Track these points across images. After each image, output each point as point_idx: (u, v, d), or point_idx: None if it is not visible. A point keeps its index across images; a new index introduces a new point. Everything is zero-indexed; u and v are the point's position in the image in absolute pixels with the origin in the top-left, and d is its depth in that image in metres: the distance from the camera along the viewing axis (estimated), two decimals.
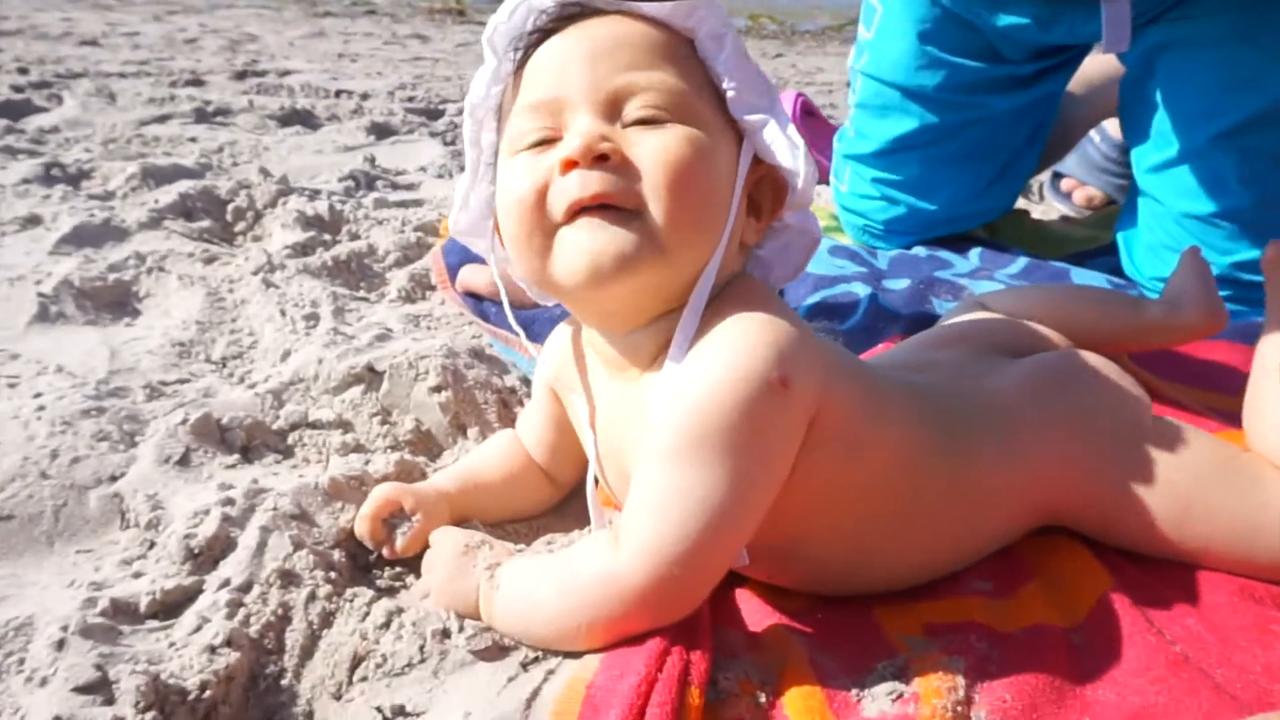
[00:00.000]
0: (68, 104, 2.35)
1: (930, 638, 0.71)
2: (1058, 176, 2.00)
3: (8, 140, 1.94)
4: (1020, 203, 1.93)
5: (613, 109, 0.66)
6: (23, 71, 2.87)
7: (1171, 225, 1.28)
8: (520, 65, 0.71)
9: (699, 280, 0.67)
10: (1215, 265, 1.15)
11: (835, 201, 1.64)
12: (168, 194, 1.55)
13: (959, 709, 0.62)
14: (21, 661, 0.65)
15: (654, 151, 0.64)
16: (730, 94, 0.70)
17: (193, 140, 2.10)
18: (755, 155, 0.71)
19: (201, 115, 2.35)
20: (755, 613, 0.75)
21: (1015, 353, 0.85)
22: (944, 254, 1.49)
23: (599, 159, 0.63)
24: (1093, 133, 1.91)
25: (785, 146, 0.70)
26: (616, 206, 0.64)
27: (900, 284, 1.36)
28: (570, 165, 0.64)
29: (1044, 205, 2.03)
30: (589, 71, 0.66)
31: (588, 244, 0.64)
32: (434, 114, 2.62)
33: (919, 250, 1.51)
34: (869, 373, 0.74)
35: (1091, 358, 0.82)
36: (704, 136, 0.67)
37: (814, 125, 1.98)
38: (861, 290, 1.27)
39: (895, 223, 1.53)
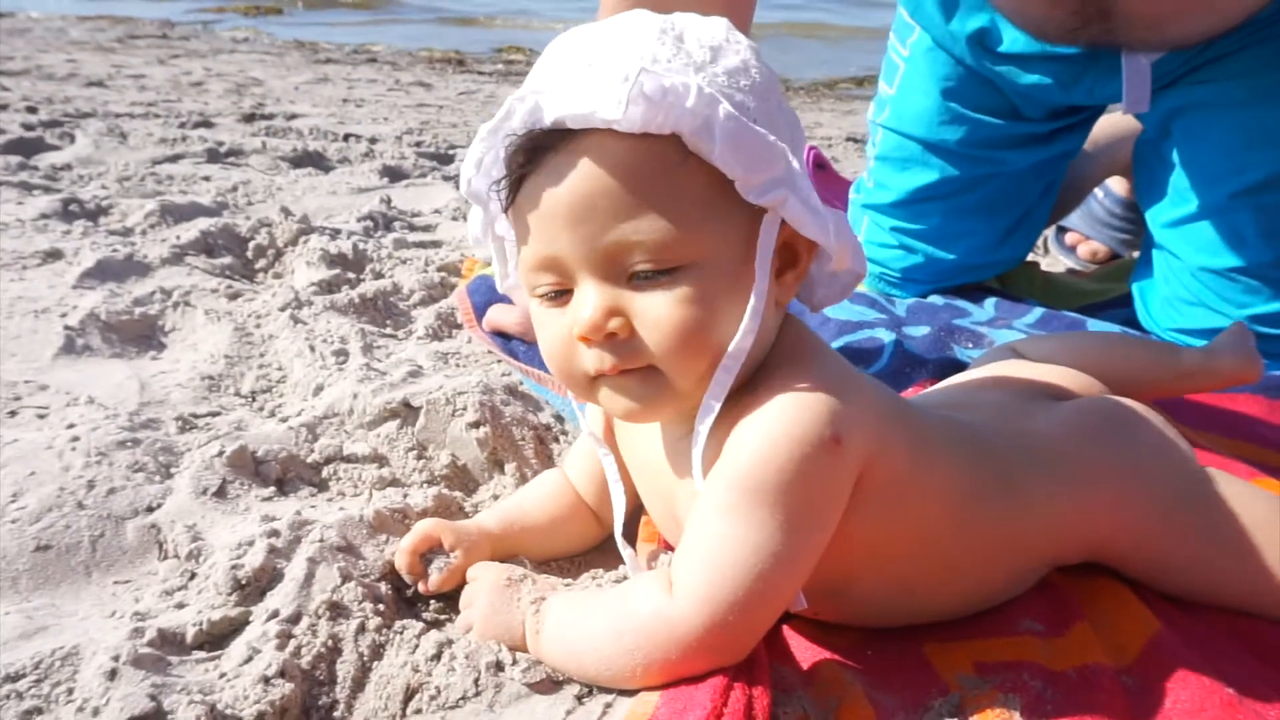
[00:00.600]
0: (80, 142, 2.37)
1: (983, 676, 0.71)
2: (1062, 230, 2.05)
3: (22, 176, 1.95)
4: (1029, 255, 1.97)
5: (611, 265, 0.64)
6: (31, 110, 2.89)
7: (1188, 279, 1.31)
8: (507, 209, 0.68)
9: (717, 383, 0.66)
10: (1233, 319, 1.18)
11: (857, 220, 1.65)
12: (188, 231, 1.56)
13: None
14: (70, 691, 0.64)
15: (658, 320, 0.64)
16: (738, 183, 0.64)
17: (206, 179, 2.12)
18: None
19: (214, 155, 2.37)
20: (806, 649, 0.75)
21: (1056, 397, 0.87)
22: (960, 303, 1.51)
23: (608, 336, 0.65)
24: (1096, 190, 1.96)
25: (809, 220, 0.66)
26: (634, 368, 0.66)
27: (921, 330, 1.38)
28: (586, 341, 0.65)
29: (1049, 258, 2.07)
30: (577, 233, 0.64)
31: (617, 401, 0.68)
32: (444, 159, 2.65)
33: (935, 299, 1.53)
34: (917, 417, 0.74)
35: (1137, 405, 0.83)
36: (709, 272, 0.64)
37: (825, 178, 2.02)
38: (886, 336, 1.28)
39: (913, 271, 1.56)
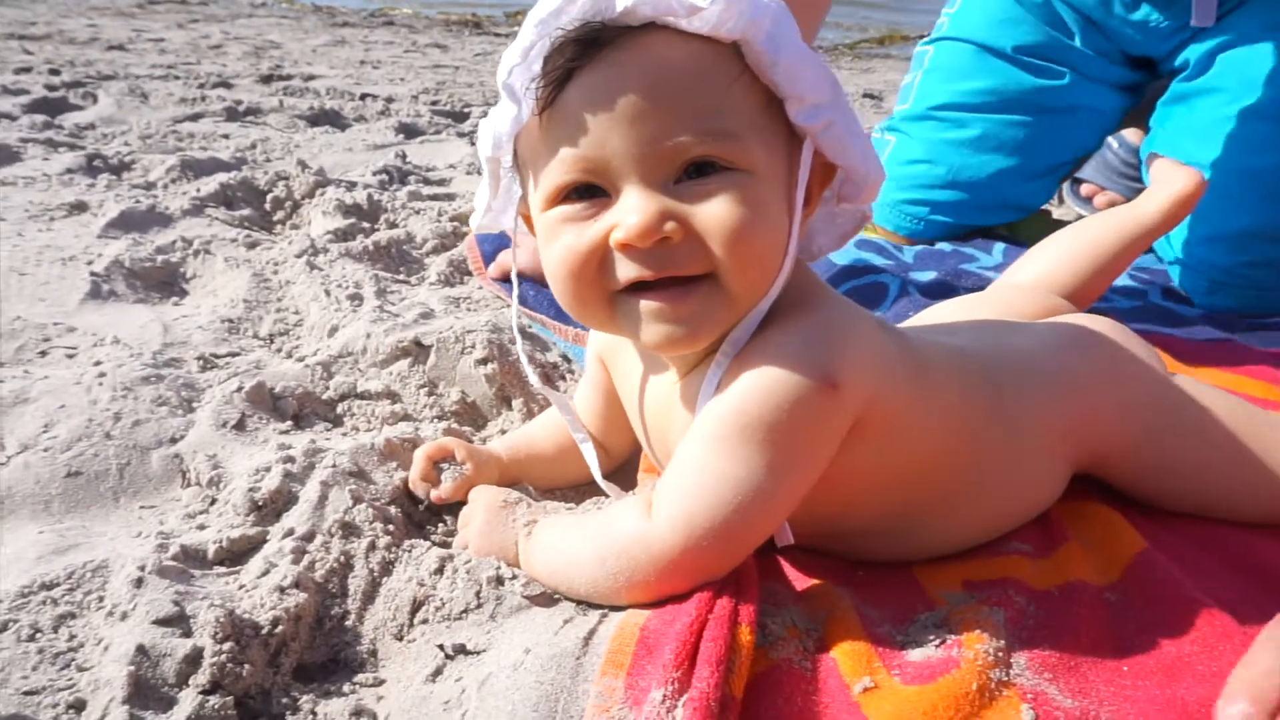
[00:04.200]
0: (103, 102, 2.41)
1: (970, 593, 0.74)
2: (1077, 182, 2.03)
3: (48, 134, 1.99)
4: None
5: (663, 167, 0.61)
6: (54, 73, 2.93)
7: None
8: (543, 108, 0.62)
9: (757, 308, 0.66)
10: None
11: None
12: (208, 184, 1.59)
13: (1000, 654, 0.64)
14: (101, 599, 0.68)
15: (715, 218, 0.61)
16: (791, 103, 0.64)
17: (226, 137, 2.15)
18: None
19: (233, 114, 2.40)
20: (800, 572, 0.78)
21: (1030, 317, 0.89)
22: (968, 249, 1.52)
23: (660, 241, 0.61)
24: (1110, 140, 1.94)
25: (849, 145, 0.67)
26: (685, 276, 0.63)
27: (927, 275, 1.39)
28: (628, 247, 0.61)
29: (1063, 209, 2.06)
30: (632, 132, 0.60)
31: (662, 318, 0.63)
32: (459, 116, 2.66)
33: (944, 246, 1.54)
34: (919, 351, 0.74)
35: (1105, 321, 0.86)
36: (758, 180, 0.63)
37: None
38: (891, 280, 1.30)
39: (934, 190, 1.55)
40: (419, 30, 5.66)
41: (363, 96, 2.88)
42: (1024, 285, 1.02)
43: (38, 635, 0.64)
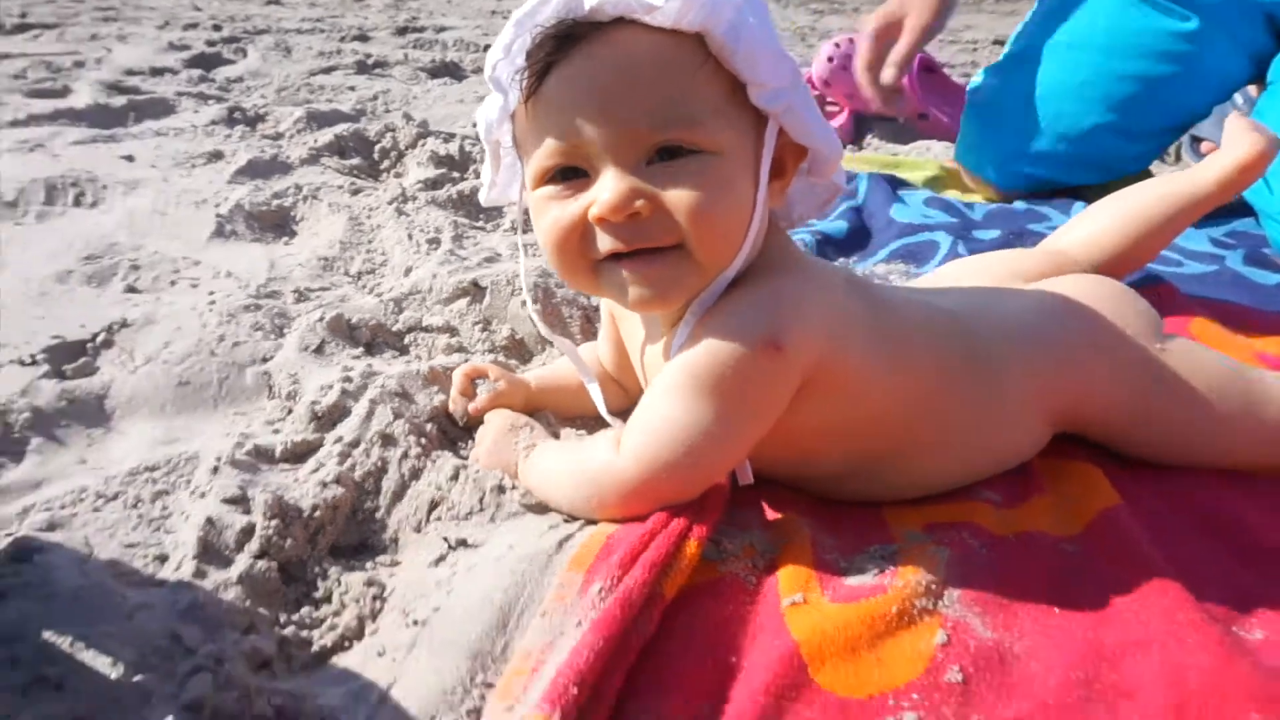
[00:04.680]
0: (251, 57, 2.65)
1: (928, 533, 0.79)
2: (1196, 140, 1.93)
3: (201, 88, 2.23)
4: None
5: (634, 148, 0.68)
6: (217, 28, 3.22)
7: None
8: (528, 97, 0.70)
9: (723, 275, 0.73)
10: None
11: (968, 119, 1.64)
12: (326, 135, 1.77)
13: (933, 587, 0.71)
14: (188, 481, 0.84)
15: (683, 196, 0.68)
16: (753, 88, 0.70)
17: (352, 89, 2.34)
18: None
19: (362, 67, 2.60)
20: (775, 503, 0.85)
21: (1034, 279, 0.91)
22: (1044, 208, 1.50)
23: (631, 216, 0.68)
24: (1236, 96, 1.83)
25: (808, 126, 0.74)
26: (656, 247, 0.70)
27: (991, 234, 1.39)
28: (604, 221, 0.68)
29: (1180, 166, 1.96)
30: (605, 117, 0.67)
31: (635, 282, 0.71)
32: None
33: (1019, 204, 1.52)
34: (889, 310, 0.80)
35: (1102, 281, 0.87)
36: (725, 160, 0.69)
37: (933, 80, 1.99)
38: (944, 239, 1.31)
39: (1032, 141, 1.52)
40: None
41: (485, 48, 3.02)
42: (1049, 250, 1.03)
43: (139, 504, 0.81)
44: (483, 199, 0.84)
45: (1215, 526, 0.79)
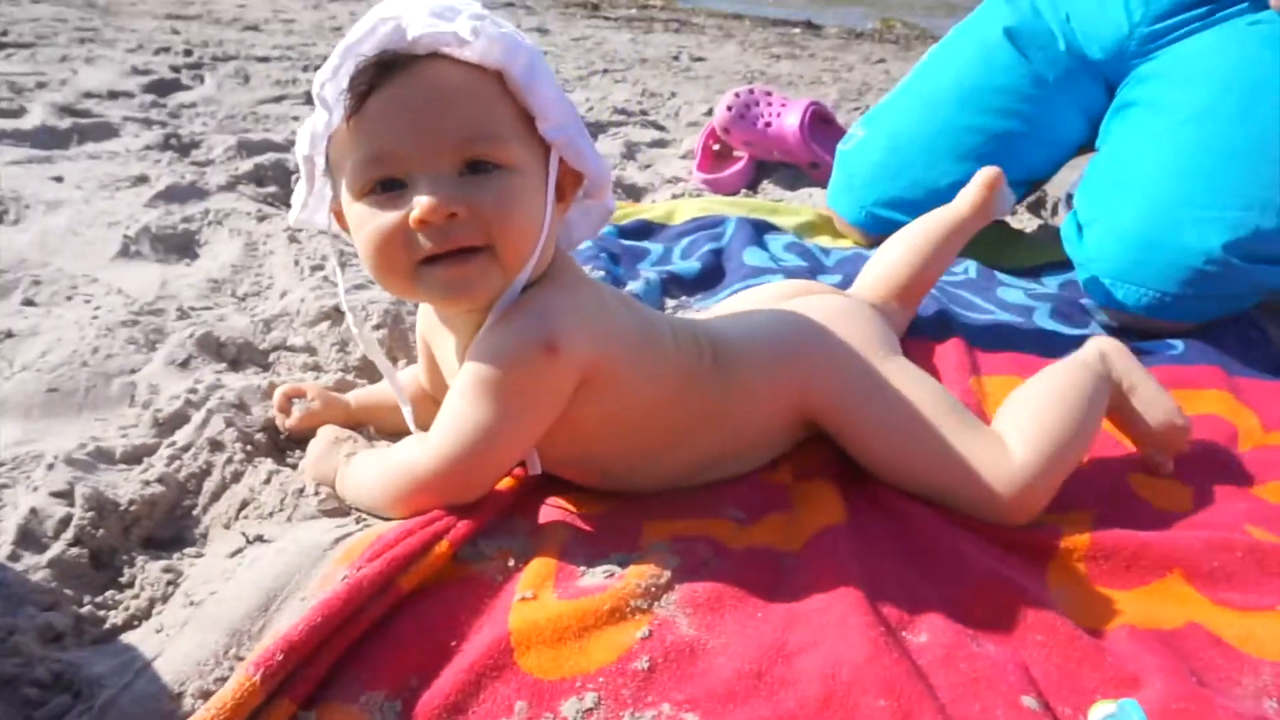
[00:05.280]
0: (208, 83, 2.78)
1: (672, 544, 0.90)
2: (1071, 197, 2.05)
3: (150, 113, 2.36)
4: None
5: (447, 160, 0.78)
6: (188, 54, 3.35)
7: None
8: (350, 115, 0.78)
9: (519, 275, 0.83)
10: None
11: (837, 166, 1.76)
12: (249, 164, 1.89)
13: (653, 590, 0.81)
14: (29, 475, 0.94)
15: (491, 203, 0.78)
16: (540, 121, 0.82)
17: (295, 119, 2.46)
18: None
19: (310, 98, 2.72)
20: (552, 513, 0.95)
21: (792, 298, 1.08)
22: None
23: (449, 216, 0.77)
24: None
25: (586, 155, 0.87)
26: (468, 247, 0.79)
27: (833, 279, 1.50)
28: (424, 223, 0.77)
29: (1054, 220, 2.08)
30: (421, 132, 0.76)
31: (451, 278, 0.80)
32: None
33: (868, 251, 1.64)
34: (648, 322, 0.93)
35: (842, 298, 1.04)
36: (523, 176, 0.80)
37: (828, 131, 2.11)
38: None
39: (889, 186, 1.66)
40: (538, 12, 5.95)
41: None
42: (814, 283, 1.22)
43: None
44: (291, 220, 0.91)
45: (916, 548, 0.89)
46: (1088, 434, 0.95)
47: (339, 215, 0.89)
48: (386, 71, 0.77)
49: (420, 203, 0.76)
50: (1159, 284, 1.32)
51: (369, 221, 0.79)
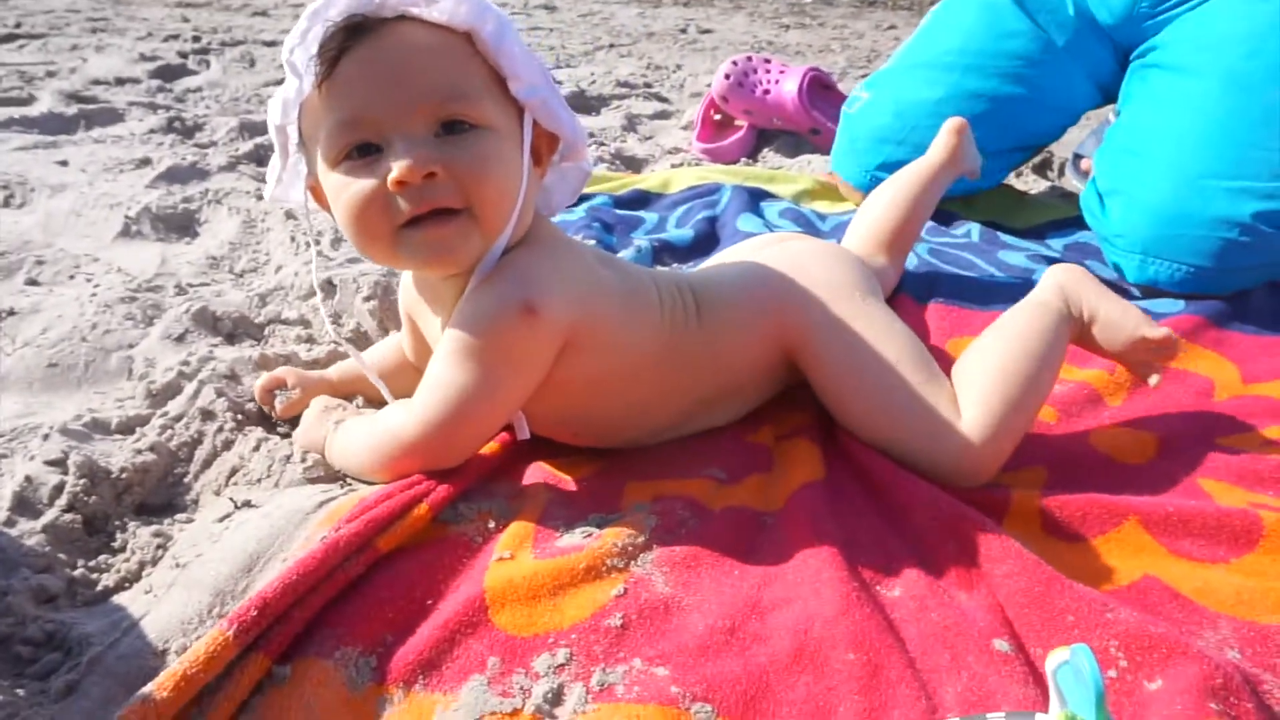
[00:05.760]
0: (213, 68, 2.80)
1: (653, 504, 0.90)
2: (1078, 157, 2.02)
3: (156, 98, 2.38)
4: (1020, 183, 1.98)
5: (421, 121, 0.77)
6: (196, 40, 3.38)
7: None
8: (322, 80, 0.78)
9: (499, 239, 0.83)
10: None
11: (841, 130, 1.74)
12: (250, 144, 1.90)
13: (629, 549, 0.81)
14: (26, 445, 0.97)
15: (468, 163, 0.78)
16: (512, 82, 0.82)
17: None
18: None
19: None
20: (541, 474, 0.96)
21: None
22: None
23: (427, 176, 0.77)
24: (1109, 114, 1.92)
25: (560, 115, 0.87)
26: (447, 208, 0.79)
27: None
28: (402, 185, 0.76)
29: (1063, 182, 2.05)
30: (394, 94, 0.76)
31: (432, 240, 0.79)
32: None
33: None
34: (632, 279, 0.94)
35: (821, 243, 1.06)
36: (499, 136, 0.80)
37: (828, 96, 2.09)
38: None
39: (894, 149, 1.63)
40: None
41: None
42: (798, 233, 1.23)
43: None
44: (267, 196, 0.91)
45: (888, 503, 0.89)
46: (1045, 381, 0.94)
47: (315, 191, 0.89)
48: (355, 35, 0.77)
49: (398, 165, 0.76)
50: (1191, 258, 1.30)
51: (347, 188, 0.79)
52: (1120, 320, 0.97)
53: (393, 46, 0.77)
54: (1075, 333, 0.99)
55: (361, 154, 0.79)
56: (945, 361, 1.14)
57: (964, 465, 0.90)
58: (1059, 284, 1.00)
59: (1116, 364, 1.05)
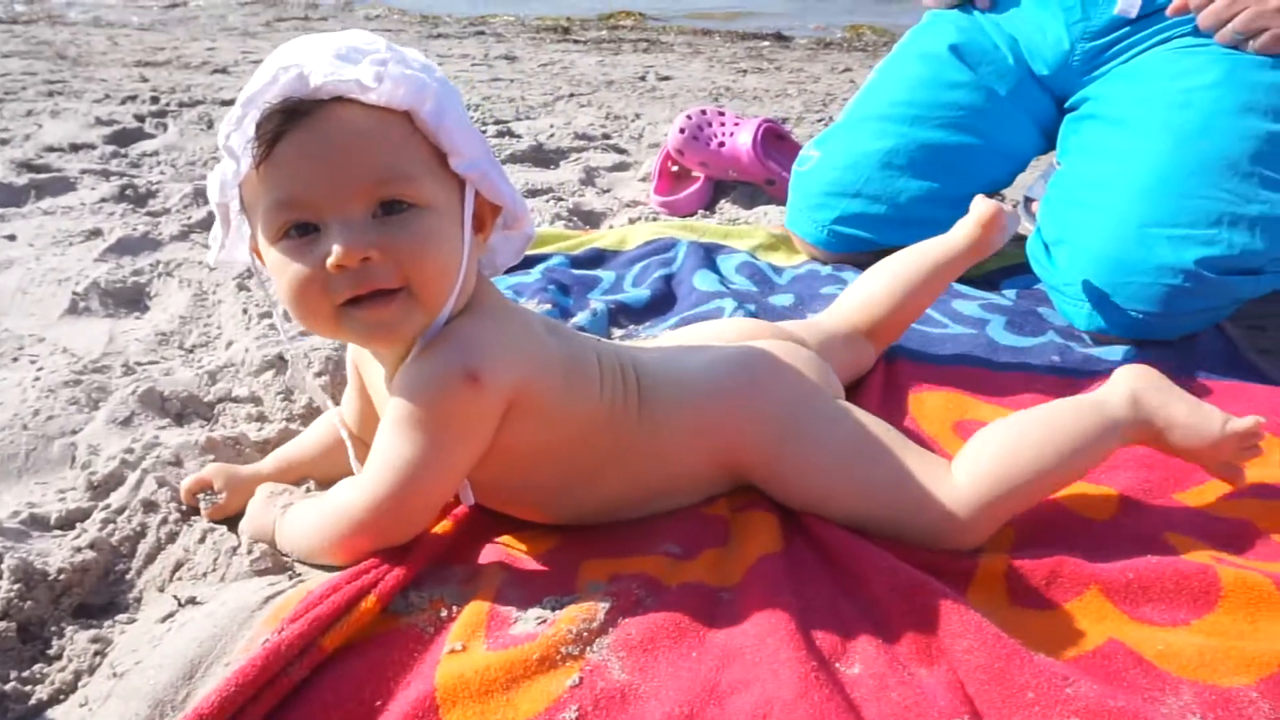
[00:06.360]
0: (170, 131, 2.78)
1: (607, 584, 0.88)
2: (1029, 200, 2.05)
3: (110, 164, 2.36)
4: None
5: (359, 203, 0.78)
6: (154, 100, 3.35)
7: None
8: (260, 162, 0.78)
9: (441, 312, 0.83)
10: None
11: (793, 188, 1.75)
12: (203, 211, 1.89)
13: (584, 634, 0.79)
14: None
15: (406, 243, 0.78)
16: (453, 157, 0.83)
17: None
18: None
19: None
20: (491, 555, 0.94)
21: (731, 339, 1.05)
22: (845, 272, 1.61)
23: (364, 260, 0.77)
24: (1055, 159, 1.96)
25: (500, 188, 0.87)
26: (385, 289, 0.79)
27: (784, 300, 1.50)
28: (340, 268, 0.77)
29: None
30: (333, 176, 0.77)
31: (372, 320, 0.80)
32: (502, 133, 2.87)
33: (819, 268, 1.64)
34: (577, 352, 0.93)
35: (779, 349, 1.00)
36: (438, 213, 0.81)
37: (782, 147, 2.12)
38: (729, 306, 1.42)
39: (848, 202, 1.64)
40: (507, 39, 5.97)
41: None
42: (760, 322, 1.18)
43: None
44: (211, 260, 0.91)
45: (845, 573, 0.88)
46: (1058, 476, 0.92)
47: (258, 253, 0.88)
48: (292, 118, 0.77)
49: (334, 250, 0.76)
50: (1137, 304, 1.31)
51: (286, 268, 0.80)
52: (1193, 421, 0.93)
53: (330, 130, 0.78)
54: (1141, 438, 0.95)
55: (300, 233, 0.79)
56: (909, 420, 1.14)
57: (940, 537, 0.90)
58: (1132, 392, 0.95)
59: None
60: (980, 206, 1.26)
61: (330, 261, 0.77)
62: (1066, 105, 1.59)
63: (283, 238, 0.80)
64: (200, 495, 0.98)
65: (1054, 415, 0.95)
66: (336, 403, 1.21)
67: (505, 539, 0.96)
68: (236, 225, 0.89)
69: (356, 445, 0.99)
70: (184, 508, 0.99)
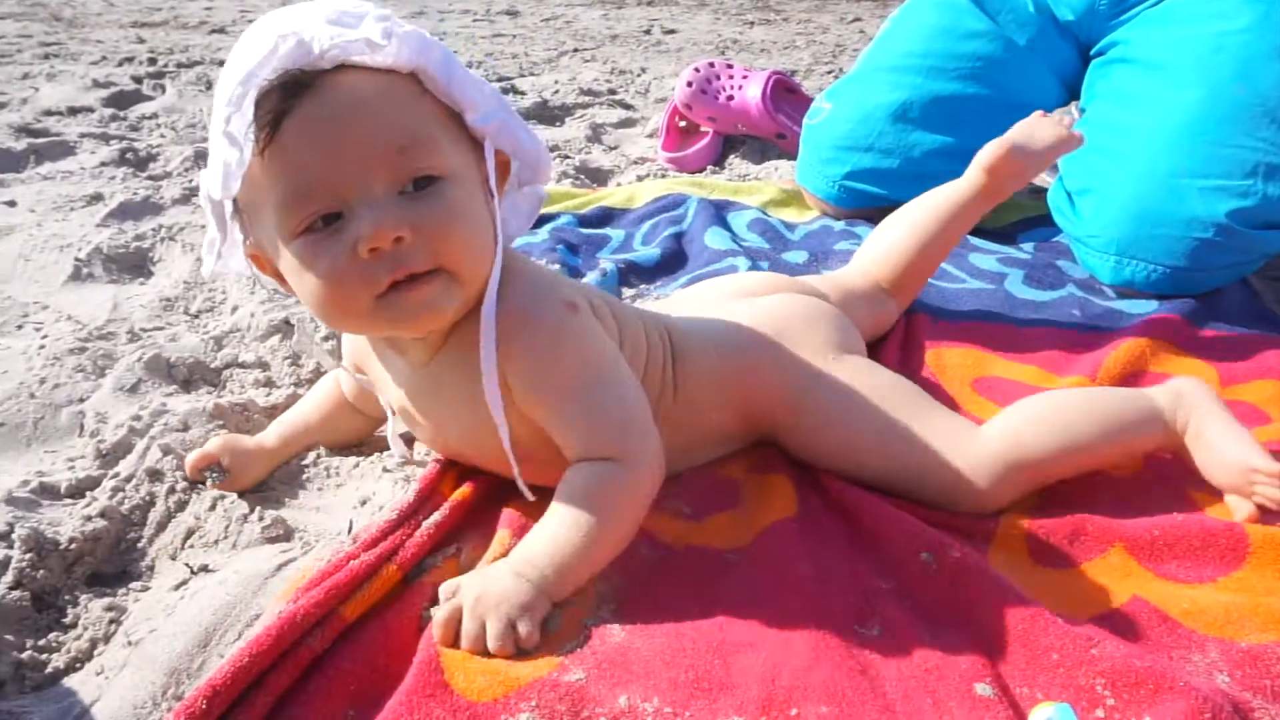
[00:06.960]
0: (169, 92, 2.74)
1: None
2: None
3: (109, 127, 2.32)
4: None
5: (381, 179, 0.72)
6: (152, 62, 3.30)
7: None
8: (264, 147, 0.71)
9: (487, 287, 0.78)
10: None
11: (804, 141, 1.71)
12: None
13: (590, 596, 0.79)
14: None
15: (436, 222, 0.73)
16: (469, 112, 0.77)
17: None
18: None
19: None
20: (505, 520, 0.93)
21: (758, 292, 1.04)
22: (858, 227, 1.58)
23: (396, 240, 0.71)
24: (1074, 109, 1.91)
25: (519, 136, 0.83)
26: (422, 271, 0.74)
27: (798, 256, 1.47)
28: (377, 251, 0.71)
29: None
30: (346, 151, 0.70)
31: (419, 300, 0.74)
32: (505, 90, 2.84)
33: (832, 224, 1.61)
34: (630, 321, 0.92)
35: (800, 299, 1.00)
36: (462, 183, 0.76)
37: (793, 100, 2.07)
38: (742, 264, 1.39)
39: (860, 156, 1.60)
40: None
41: None
42: (781, 276, 1.16)
43: None
44: (205, 272, 0.85)
45: (865, 536, 0.86)
46: (1091, 455, 0.90)
47: (257, 259, 0.83)
48: (295, 93, 0.70)
49: (364, 233, 0.70)
50: (1165, 258, 1.28)
51: (311, 266, 0.73)
52: (1222, 443, 0.89)
53: (338, 101, 0.71)
54: (1169, 445, 0.93)
55: (326, 224, 0.73)
56: (928, 376, 1.11)
57: (961, 496, 0.88)
58: (1178, 390, 0.93)
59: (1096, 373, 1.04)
60: (986, 151, 1.19)
61: (362, 246, 0.70)
62: (1093, 52, 1.54)
63: (305, 231, 0.72)
64: (206, 471, 0.96)
65: (1097, 394, 0.96)
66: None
67: (521, 504, 0.95)
68: (231, 230, 0.81)
69: (348, 423, 1.00)
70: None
